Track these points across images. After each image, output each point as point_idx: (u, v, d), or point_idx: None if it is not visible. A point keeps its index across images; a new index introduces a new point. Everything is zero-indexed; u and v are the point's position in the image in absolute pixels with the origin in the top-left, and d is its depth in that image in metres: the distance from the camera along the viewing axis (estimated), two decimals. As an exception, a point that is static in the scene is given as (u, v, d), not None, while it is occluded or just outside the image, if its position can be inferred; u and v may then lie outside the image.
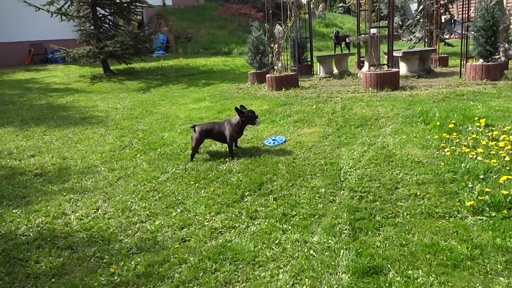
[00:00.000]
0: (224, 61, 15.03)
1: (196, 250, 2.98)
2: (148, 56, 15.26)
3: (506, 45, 7.63)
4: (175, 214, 3.56)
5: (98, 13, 12.67)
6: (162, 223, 3.42)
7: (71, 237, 3.30)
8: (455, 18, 17.56)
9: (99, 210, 3.74)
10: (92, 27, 12.83)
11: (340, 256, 2.74)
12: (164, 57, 17.04)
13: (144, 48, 13.13)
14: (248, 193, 3.80)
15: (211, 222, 3.37)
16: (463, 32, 7.72)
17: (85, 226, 3.45)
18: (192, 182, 4.14)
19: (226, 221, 3.34)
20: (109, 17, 13.20)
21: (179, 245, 3.07)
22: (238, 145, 4.98)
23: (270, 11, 9.35)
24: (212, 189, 3.94)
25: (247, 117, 4.64)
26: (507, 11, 7.84)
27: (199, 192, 3.92)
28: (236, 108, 4.66)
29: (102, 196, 4.04)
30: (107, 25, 13.28)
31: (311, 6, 9.85)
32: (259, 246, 2.95)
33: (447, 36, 16.10)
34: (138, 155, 5.14)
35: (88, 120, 7.25)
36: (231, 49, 18.03)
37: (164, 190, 4.05)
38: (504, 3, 7.55)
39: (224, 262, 2.80)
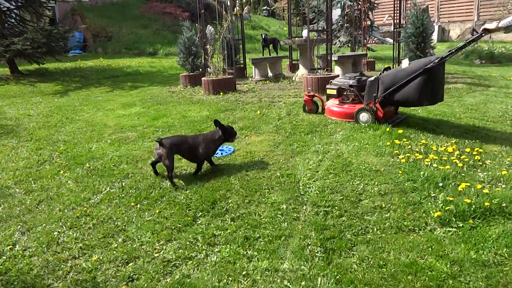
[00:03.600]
0: (150, 62, 14.17)
1: (148, 291, 2.47)
2: (63, 55, 13.88)
3: (431, 51, 8.05)
4: (116, 245, 2.98)
5: (1, 6, 11.13)
6: (101, 258, 2.83)
7: (-21, 286, 2.58)
8: (374, 24, 18.59)
9: (17, 246, 3.02)
10: (-6, 22, 11.24)
11: (319, 286, 2.43)
12: (81, 57, 15.63)
13: (58, 47, 11.85)
14: (200, 213, 3.34)
15: (161, 252, 2.86)
16: (394, 39, 8.00)
17: (-2, 269, 2.74)
18: (132, 204, 3.56)
19: (180, 251, 2.86)
20: (15, 11, 11.68)
21: (126, 286, 2.53)
22: (214, 163, 4.26)
23: (202, 11, 8.90)
24: (157, 211, 3.41)
25: (230, 134, 4.03)
26: (430, 19, 8.28)
27: (143, 216, 3.37)
28: (218, 122, 4.01)
29: (19, 226, 3.29)
30: (13, 20, 11.75)
31: (237, 8, 9.59)
32: (225, 280, 2.54)
33: (367, 41, 16.95)
34: (62, 171, 4.39)
35: (-6, 130, 6.18)
36: (156, 50, 17.14)
37: (99, 214, 3.43)
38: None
39: (185, 305, 2.34)
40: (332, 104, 5.53)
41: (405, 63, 4.80)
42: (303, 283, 2.47)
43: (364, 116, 5.03)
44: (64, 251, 2.93)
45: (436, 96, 4.75)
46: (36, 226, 3.29)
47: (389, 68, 5.13)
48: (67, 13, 15.58)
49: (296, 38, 9.56)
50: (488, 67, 13.42)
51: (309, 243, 2.86)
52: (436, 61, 4.48)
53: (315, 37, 8.50)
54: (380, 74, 4.99)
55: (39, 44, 10.74)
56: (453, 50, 4.62)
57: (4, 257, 2.87)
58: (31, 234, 3.18)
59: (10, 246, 3.01)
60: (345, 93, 5.37)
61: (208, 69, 8.66)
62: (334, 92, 5.44)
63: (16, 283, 2.59)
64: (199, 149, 3.98)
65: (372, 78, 5.00)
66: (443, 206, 3.15)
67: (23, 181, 4.20)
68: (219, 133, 4.02)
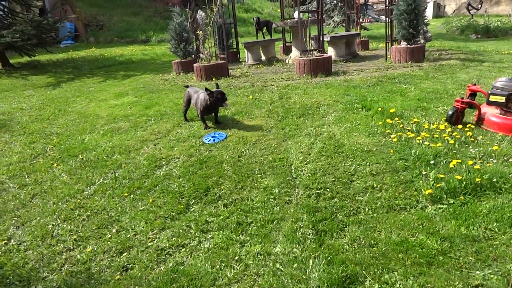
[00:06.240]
0: (143, 50, 14.04)
1: (142, 280, 2.50)
2: (54, 47, 13.74)
3: (425, 28, 7.96)
4: (109, 235, 3.01)
5: (-12, -1, 10.97)
6: (95, 249, 2.86)
7: (-25, 281, 2.61)
8: (368, 2, 18.37)
9: (12, 241, 3.05)
10: (-18, 15, 11.08)
11: (310, 267, 2.46)
12: (73, 47, 15.47)
13: (49, 38, 11.71)
14: (193, 201, 3.36)
15: (155, 241, 2.89)
16: (386, 16, 7.89)
17: (-6, 264, 2.77)
18: (126, 194, 3.58)
19: (174, 239, 2.89)
20: (3, 2, 11.50)
21: (120, 275, 2.56)
22: (219, 120, 5.02)
23: (192, -5, 8.75)
24: (151, 200, 3.43)
25: (216, 99, 4.58)
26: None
27: (136, 205, 3.39)
28: (206, 88, 4.66)
29: (13, 221, 3.32)
30: (1, 13, 11.56)
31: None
32: (218, 266, 2.56)
33: (362, 20, 16.76)
34: (55, 164, 4.39)
35: (-13, 125, 6.15)
36: (149, 37, 16.95)
37: (93, 206, 3.45)
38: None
39: (179, 292, 2.37)
40: (493, 114, 4.14)
41: None
42: (295, 265, 2.49)
43: None
44: (59, 244, 2.96)
45: None
46: (31, 220, 3.31)
47: None
48: (57, 3, 15.34)
49: (288, 20, 9.43)
50: (484, 41, 13.29)
51: (301, 225, 2.88)
52: None
53: (308, 18, 8.39)
54: None
55: (29, 36, 10.61)
56: None
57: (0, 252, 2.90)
58: (25, 228, 3.20)
59: (5, 241, 3.03)
60: None
61: (201, 55, 8.58)
62: (502, 99, 3.99)
63: (11, 277, 2.62)
64: (197, 105, 4.82)
65: None
66: (434, 184, 3.16)
67: (17, 175, 4.21)
68: (207, 97, 4.64)
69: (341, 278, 2.34)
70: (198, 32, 8.02)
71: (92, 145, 4.80)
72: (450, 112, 4.24)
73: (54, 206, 3.51)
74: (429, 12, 20.94)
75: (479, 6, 18.50)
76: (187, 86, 5.28)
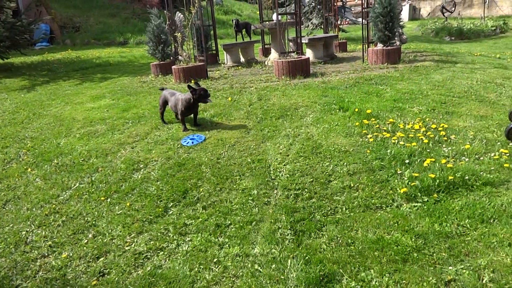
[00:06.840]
0: (120, 52, 13.84)
1: (119, 285, 2.47)
2: (29, 49, 13.41)
3: (400, 30, 8.12)
4: (86, 241, 2.96)
5: (-42, 0, 10.62)
6: (71, 254, 2.81)
7: None
8: (346, 5, 18.61)
9: (-17, 248, 2.96)
10: (-48, 17, 10.73)
11: (288, 267, 2.48)
12: (48, 49, 15.13)
13: (23, 40, 11.41)
14: (171, 204, 3.34)
15: (132, 245, 2.86)
16: (363, 18, 8.02)
17: (-36, 273, 2.68)
18: (102, 198, 3.52)
19: (151, 242, 2.86)
20: (-26, 4, 11.16)
21: (96, 281, 2.52)
22: (198, 122, 5.00)
23: (170, -3, 8.70)
24: (128, 204, 3.38)
25: (199, 96, 4.63)
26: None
27: (113, 209, 3.34)
28: (188, 85, 4.66)
29: (-15, 228, 3.23)
30: (-28, 14, 11.22)
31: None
32: (196, 269, 2.55)
33: (339, 22, 16.97)
34: (29, 169, 4.28)
35: (-43, 130, 5.94)
36: (127, 39, 16.73)
37: (68, 211, 3.38)
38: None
39: (157, 296, 2.35)
40: None
41: None
42: (273, 266, 2.51)
43: None
44: (33, 250, 2.89)
45: None
46: (3, 227, 3.23)
47: None
48: (31, 4, 14.99)
49: (267, 22, 9.47)
50: (457, 43, 13.68)
51: (280, 226, 2.90)
52: None
53: (286, 20, 8.43)
54: None
55: (2, 38, 10.33)
56: None
57: (-30, 260, 2.81)
58: (-2, 235, 3.11)
59: (-24, 249, 2.94)
60: None
61: (179, 57, 8.52)
62: None
63: (-18, 286, 2.54)
64: (178, 107, 4.81)
65: None
66: (409, 182, 3.23)
67: (-11, 181, 4.09)
68: (190, 94, 4.66)
69: (318, 277, 2.37)
70: (176, 34, 7.96)
71: (68, 149, 4.71)
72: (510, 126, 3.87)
73: (28, 212, 3.43)
74: (404, 14, 21.39)
75: (453, 9, 19.01)
76: (162, 89, 5.35)
